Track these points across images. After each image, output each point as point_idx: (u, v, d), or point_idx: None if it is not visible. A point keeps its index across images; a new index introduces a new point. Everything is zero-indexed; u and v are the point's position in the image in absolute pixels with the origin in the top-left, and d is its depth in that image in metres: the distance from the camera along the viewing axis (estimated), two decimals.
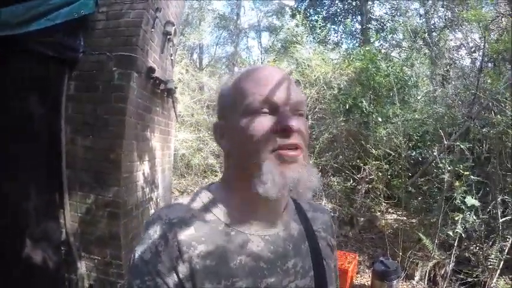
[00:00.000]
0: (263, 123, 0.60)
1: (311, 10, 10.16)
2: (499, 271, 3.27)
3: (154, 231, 0.60)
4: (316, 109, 5.82)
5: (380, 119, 4.73)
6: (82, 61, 2.23)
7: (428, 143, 4.98)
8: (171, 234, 0.59)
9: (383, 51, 5.97)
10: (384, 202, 4.37)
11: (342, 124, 5.29)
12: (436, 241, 3.47)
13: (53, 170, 2.27)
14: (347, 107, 5.18)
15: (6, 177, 1.97)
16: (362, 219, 5.12)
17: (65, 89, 2.27)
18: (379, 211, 4.81)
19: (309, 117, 5.62)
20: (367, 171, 4.76)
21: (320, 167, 5.36)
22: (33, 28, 1.71)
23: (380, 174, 4.47)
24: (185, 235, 0.60)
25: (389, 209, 4.92)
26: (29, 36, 1.74)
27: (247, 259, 0.61)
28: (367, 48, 5.50)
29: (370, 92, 5.18)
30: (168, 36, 2.71)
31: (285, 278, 0.63)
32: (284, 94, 0.62)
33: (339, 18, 10.44)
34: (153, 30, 2.39)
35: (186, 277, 0.57)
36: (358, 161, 4.99)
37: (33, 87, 2.05)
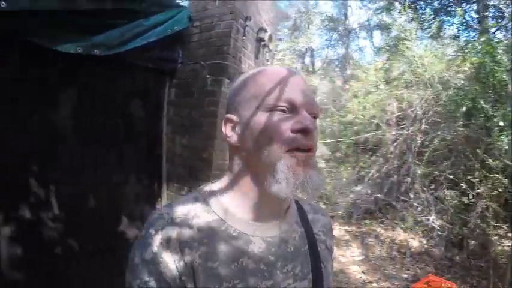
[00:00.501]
0: (283, 121, 0.60)
1: (421, 2, 9.06)
2: None
3: (156, 231, 0.58)
4: (431, 112, 5.17)
5: (502, 123, 3.93)
6: (180, 71, 2.54)
7: None
8: (173, 234, 0.58)
9: (505, 42, 4.89)
10: (504, 225, 3.62)
11: (460, 129, 4.56)
12: None
13: (155, 164, 2.64)
14: (465, 110, 4.45)
15: (118, 170, 2.39)
16: (473, 242, 4.35)
17: (166, 96, 2.62)
18: (497, 235, 4.00)
19: (423, 121, 5.06)
20: (484, 186, 3.99)
21: (432, 178, 4.77)
22: (129, 48, 2.04)
23: (498, 190, 3.72)
24: (187, 235, 0.59)
25: (509, 234, 4.04)
26: (131, 54, 2.08)
27: (248, 261, 0.60)
28: (482, 39, 4.61)
29: (490, 91, 4.34)
30: (262, 43, 2.82)
31: (284, 280, 0.62)
32: (304, 95, 0.62)
33: (453, 8, 9.04)
34: (244, 38, 2.54)
35: (188, 278, 0.56)
36: (476, 173, 4.22)
37: (138, 96, 2.44)
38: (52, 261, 1.98)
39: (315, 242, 0.70)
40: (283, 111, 0.60)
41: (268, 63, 3.07)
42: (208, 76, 2.47)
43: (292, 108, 0.61)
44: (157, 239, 0.57)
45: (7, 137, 1.72)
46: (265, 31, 2.90)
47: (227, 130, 0.66)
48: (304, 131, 0.59)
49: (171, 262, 0.56)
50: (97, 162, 2.27)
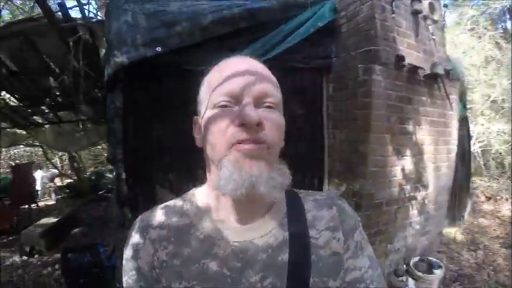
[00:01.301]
0: (223, 116, 0.57)
1: None
2: None
3: (135, 232, 0.65)
4: None
5: None
6: (336, 64, 2.50)
7: None
8: (147, 234, 0.63)
9: None
10: None
11: None
12: None
13: (316, 161, 2.72)
14: None
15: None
16: None
17: (325, 92, 2.64)
18: None
19: None
20: None
21: None
22: (273, 54, 2.17)
23: None
24: (158, 235, 0.63)
25: None
26: (282, 58, 2.23)
27: (210, 264, 0.59)
28: None
29: None
30: (421, 15, 2.33)
31: None
32: (247, 86, 0.57)
33: None
34: (394, 15, 2.19)
35: (160, 271, 0.61)
36: None
37: (296, 97, 2.57)
38: None
39: (304, 248, 0.60)
40: (225, 106, 0.57)
41: (434, 37, 2.46)
42: (360, 65, 2.29)
43: (236, 101, 0.57)
44: (135, 239, 0.63)
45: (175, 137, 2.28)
46: (419, 1, 2.35)
47: (195, 132, 0.67)
48: (243, 124, 0.54)
49: (147, 258, 0.62)
50: None
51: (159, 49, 1.97)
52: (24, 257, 4.17)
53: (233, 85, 0.57)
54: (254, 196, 0.55)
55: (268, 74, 0.63)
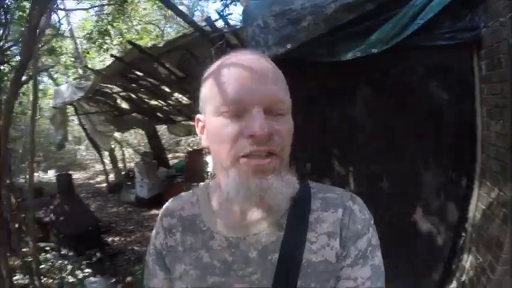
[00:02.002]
0: (230, 126, 0.55)
1: None
2: None
3: (159, 219, 0.74)
4: None
5: None
6: (485, 36, 1.99)
7: None
8: (164, 221, 0.71)
9: None
10: None
11: None
12: None
13: (465, 156, 2.27)
14: None
15: (421, 159, 2.34)
16: None
17: (476, 71, 2.16)
18: None
19: None
20: None
21: None
22: (406, 34, 1.91)
23: None
24: (169, 223, 0.70)
25: None
26: (418, 38, 1.97)
27: (204, 254, 0.63)
28: None
29: None
30: None
31: (237, 282, 0.60)
32: (253, 92, 0.54)
33: None
34: None
35: (166, 254, 0.69)
36: None
37: (439, 77, 2.21)
38: None
39: (298, 252, 0.59)
40: (233, 115, 0.55)
41: None
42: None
43: (242, 109, 0.54)
44: (157, 225, 0.73)
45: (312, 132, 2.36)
46: None
47: (199, 130, 0.67)
48: (252, 136, 0.53)
49: (160, 240, 0.71)
50: (398, 150, 2.38)
51: (289, 46, 2.11)
52: None
53: (241, 92, 0.54)
54: (262, 206, 0.60)
55: (278, 76, 0.60)
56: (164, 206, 0.75)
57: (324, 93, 2.41)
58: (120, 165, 10.56)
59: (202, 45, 3.84)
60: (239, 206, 0.63)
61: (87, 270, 3.80)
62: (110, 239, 5.20)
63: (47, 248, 4.10)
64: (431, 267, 2.37)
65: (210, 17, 3.30)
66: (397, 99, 2.34)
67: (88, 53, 10.19)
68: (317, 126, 2.44)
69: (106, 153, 9.35)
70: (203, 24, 3.55)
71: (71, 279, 3.49)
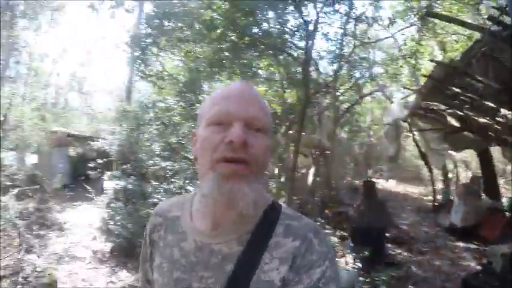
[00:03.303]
0: (214, 134, 0.65)
1: None
2: None
3: (151, 216, 0.85)
4: None
5: None
6: None
7: None
8: (153, 221, 0.82)
9: None
10: None
11: None
12: None
13: None
14: None
15: None
16: None
17: None
18: None
19: None
20: None
21: None
22: None
23: None
24: (157, 221, 0.81)
25: None
26: None
27: (177, 252, 0.74)
28: None
29: None
30: None
31: (197, 282, 0.69)
32: (238, 108, 0.65)
33: None
34: None
35: (151, 248, 0.81)
36: None
37: None
38: None
39: (251, 269, 0.66)
40: (217, 124, 0.65)
41: None
42: None
43: (227, 122, 0.64)
44: (150, 219, 0.84)
45: None
46: None
47: (193, 143, 0.75)
48: (230, 143, 0.62)
49: (148, 238, 0.82)
50: None
51: None
52: None
53: (227, 107, 0.65)
54: (231, 208, 0.65)
55: (259, 100, 0.70)
56: (157, 206, 0.86)
57: None
58: (453, 186, 9.76)
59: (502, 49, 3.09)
60: (212, 213, 0.70)
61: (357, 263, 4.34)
62: (397, 250, 5.37)
63: (339, 234, 5.16)
64: None
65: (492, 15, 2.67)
66: None
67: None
68: None
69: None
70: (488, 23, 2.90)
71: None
